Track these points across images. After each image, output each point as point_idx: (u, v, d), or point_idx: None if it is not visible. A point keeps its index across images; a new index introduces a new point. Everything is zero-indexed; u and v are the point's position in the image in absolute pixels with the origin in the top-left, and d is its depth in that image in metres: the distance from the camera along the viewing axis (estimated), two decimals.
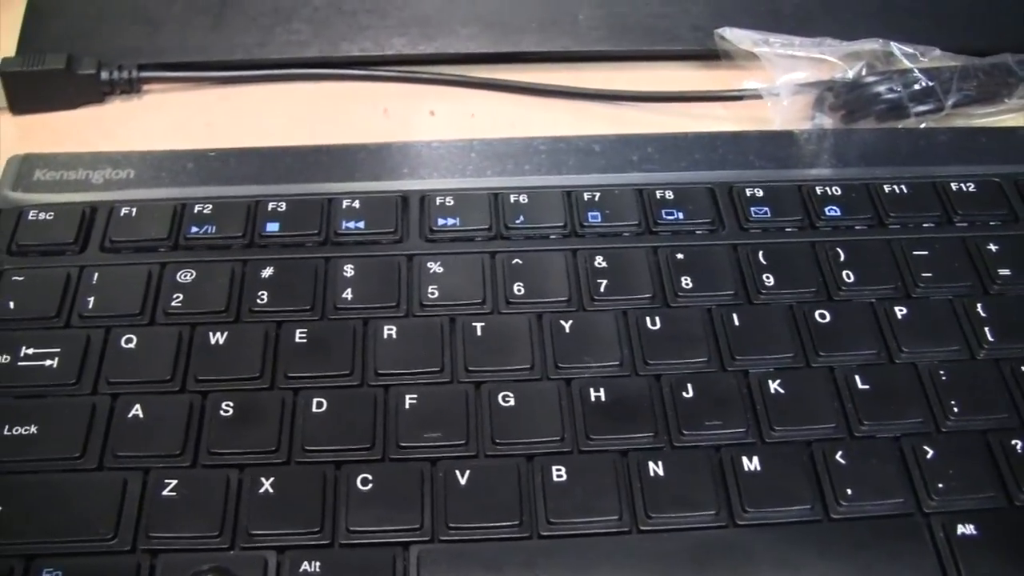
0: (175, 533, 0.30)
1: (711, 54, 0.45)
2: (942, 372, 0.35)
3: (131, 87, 0.44)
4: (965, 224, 0.39)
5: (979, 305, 0.37)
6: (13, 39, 0.44)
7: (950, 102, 0.43)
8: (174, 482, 0.31)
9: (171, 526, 0.30)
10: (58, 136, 0.42)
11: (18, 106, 0.43)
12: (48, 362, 0.34)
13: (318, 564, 0.30)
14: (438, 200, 0.38)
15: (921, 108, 0.43)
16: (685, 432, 0.33)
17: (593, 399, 0.33)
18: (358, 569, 0.30)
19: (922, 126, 0.43)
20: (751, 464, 0.32)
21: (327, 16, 0.45)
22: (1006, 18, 0.47)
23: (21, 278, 0.36)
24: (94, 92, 0.44)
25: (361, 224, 0.38)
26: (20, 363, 0.34)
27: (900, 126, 0.43)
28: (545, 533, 0.31)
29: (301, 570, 0.30)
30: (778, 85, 0.42)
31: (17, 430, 0.32)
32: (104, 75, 0.44)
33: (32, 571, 0.29)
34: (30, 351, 0.34)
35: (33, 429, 0.32)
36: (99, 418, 0.33)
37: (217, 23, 0.45)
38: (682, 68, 0.46)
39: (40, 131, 0.42)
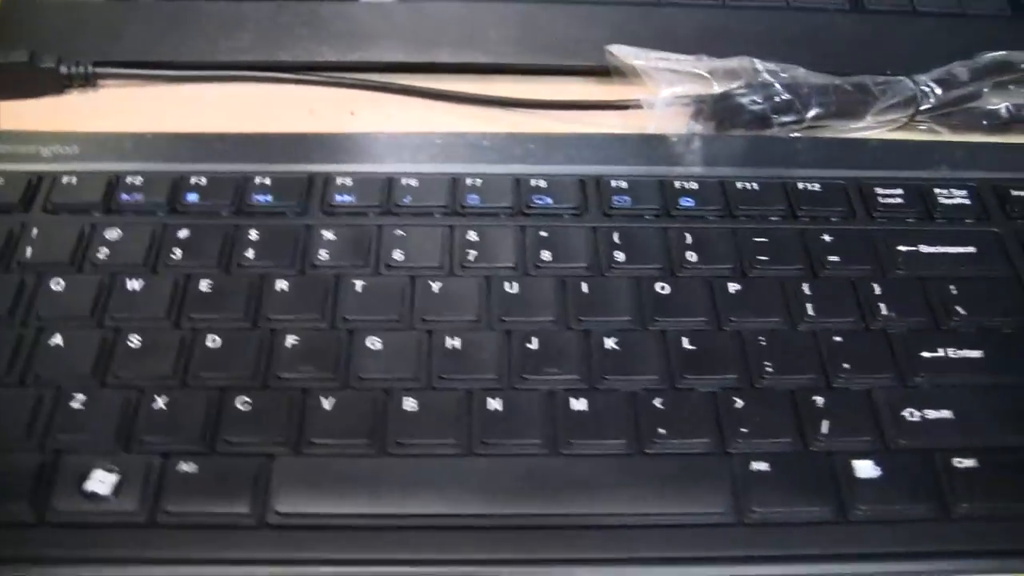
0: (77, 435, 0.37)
1: (609, 71, 0.51)
2: (761, 339, 0.41)
3: (88, 81, 0.51)
4: (807, 219, 0.45)
5: (806, 285, 0.43)
6: None
7: (810, 115, 0.49)
8: (82, 397, 0.38)
9: (74, 428, 0.37)
10: (21, 120, 0.49)
11: None
12: None
13: (196, 466, 0.36)
14: (338, 180, 0.45)
15: (784, 119, 0.49)
16: (526, 376, 0.39)
17: (448, 347, 0.40)
18: (228, 472, 0.36)
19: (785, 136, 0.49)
20: (579, 404, 0.38)
21: (266, 27, 0.53)
22: (869, 45, 0.53)
23: None
24: (54, 84, 0.51)
25: (269, 198, 0.44)
26: None
27: (766, 135, 0.49)
28: (392, 451, 0.37)
29: (179, 469, 0.36)
30: (657, 97, 0.49)
31: None
32: (63, 69, 0.51)
33: None
34: None
35: None
36: (25, 345, 0.39)
37: (169, 29, 0.52)
38: (581, 82, 0.53)
39: (4, 116, 0.49)
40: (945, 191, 0.47)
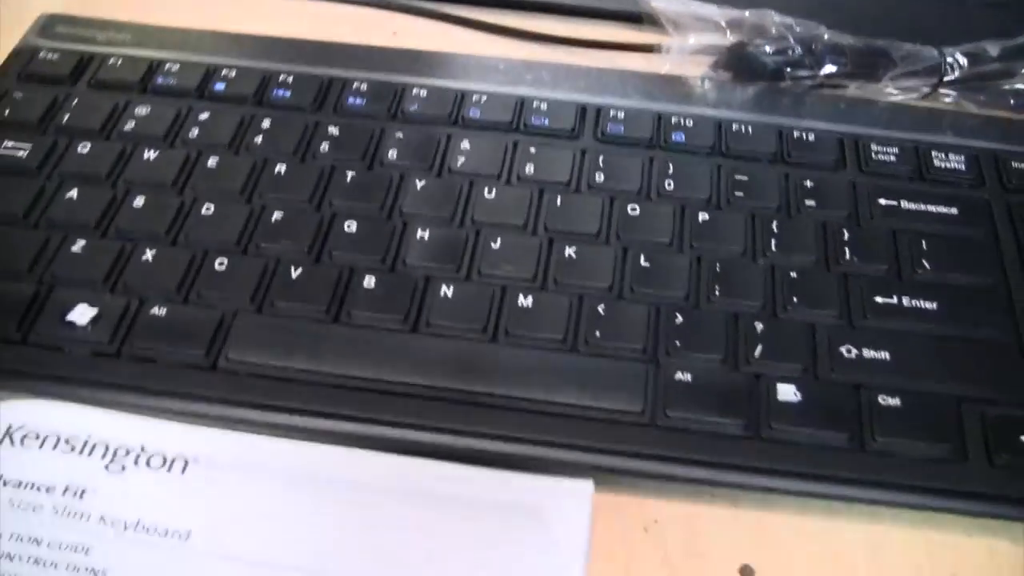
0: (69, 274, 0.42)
1: (642, 17, 0.54)
2: (718, 265, 0.43)
3: None
4: (794, 164, 0.47)
5: (775, 223, 0.45)
6: None
7: (824, 72, 0.51)
8: (83, 242, 0.43)
9: (68, 269, 0.42)
10: (97, 9, 0.54)
11: None
12: (20, 152, 0.46)
13: (166, 310, 0.41)
14: (355, 85, 0.49)
15: (797, 73, 0.51)
16: (482, 272, 0.42)
17: (419, 237, 0.43)
18: (194, 319, 0.41)
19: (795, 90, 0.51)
20: (525, 301, 0.41)
21: None
22: (904, 16, 0.54)
23: (21, 95, 0.48)
24: None
25: (288, 94, 0.49)
26: (1, 151, 0.46)
27: (779, 88, 0.51)
28: (345, 321, 0.41)
29: (151, 312, 0.40)
30: (673, 43, 0.51)
31: None
32: None
33: None
34: (10, 144, 0.46)
35: None
36: (46, 195, 0.44)
37: None
38: (616, 26, 0.55)
39: (79, 7, 0.55)
40: (942, 155, 0.48)
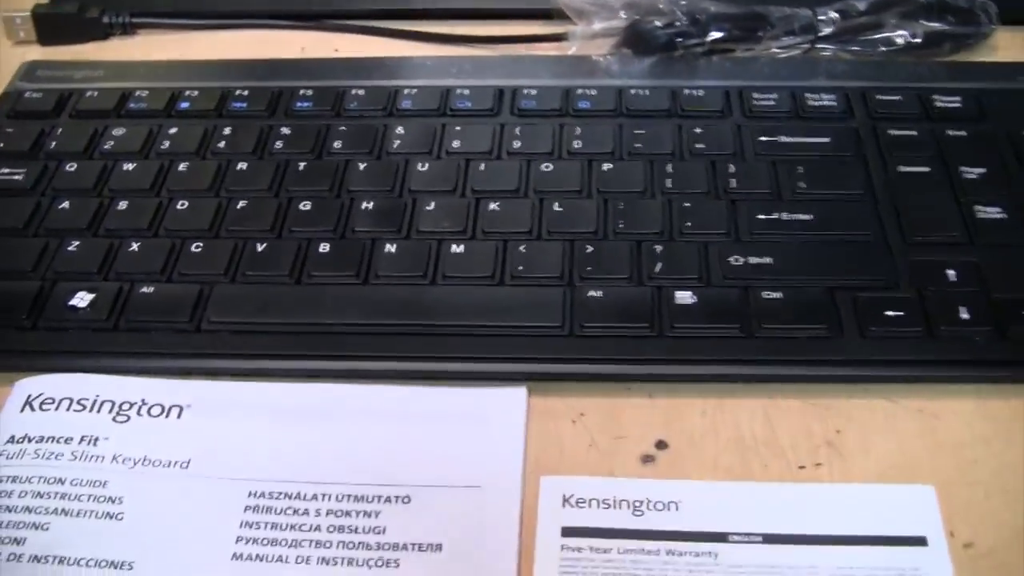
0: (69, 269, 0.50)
1: (552, 13, 0.63)
2: (621, 204, 0.51)
3: (126, 29, 0.65)
4: (686, 117, 0.56)
5: (669, 165, 0.53)
6: None
7: (710, 38, 0.59)
8: (77, 243, 0.51)
9: (67, 265, 0.50)
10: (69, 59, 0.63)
11: (43, 39, 0.65)
12: (16, 177, 0.54)
13: (153, 288, 0.49)
14: (300, 91, 0.58)
15: (687, 43, 0.59)
16: (420, 229, 0.51)
17: (363, 208, 0.52)
18: (177, 293, 0.49)
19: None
20: (458, 248, 0.50)
21: None
22: None
23: (12, 130, 0.57)
24: (98, 31, 0.65)
25: (244, 105, 0.57)
26: None
27: (673, 56, 0.60)
28: (306, 281, 0.49)
29: (140, 291, 0.49)
30: (578, 30, 0.60)
31: None
32: (106, 19, 0.65)
33: None
34: (6, 171, 0.55)
35: None
36: (42, 208, 0.53)
37: None
38: (529, 24, 0.64)
39: (57, 56, 0.64)
40: (816, 95, 0.56)
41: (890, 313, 0.45)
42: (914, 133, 0.54)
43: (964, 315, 0.45)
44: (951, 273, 0.47)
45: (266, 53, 0.62)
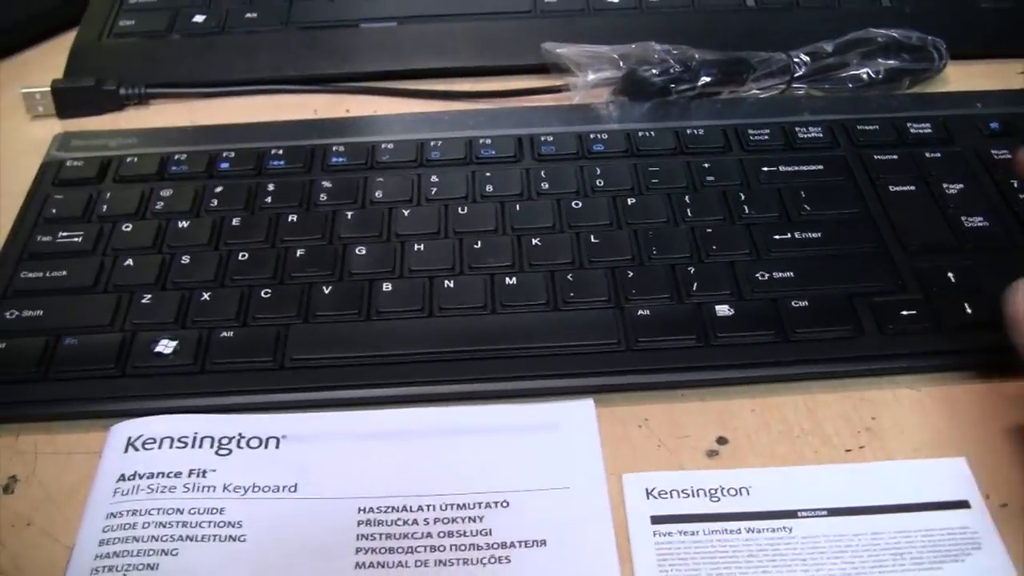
0: (146, 320, 0.54)
1: (547, 68, 0.69)
2: (650, 232, 0.58)
3: (141, 100, 0.70)
4: (692, 153, 0.63)
5: (687, 197, 0.60)
6: (61, 69, 0.71)
7: (700, 83, 0.66)
8: (149, 296, 0.56)
9: (144, 316, 0.54)
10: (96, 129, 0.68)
11: (63, 112, 0.69)
12: (75, 239, 0.59)
13: (232, 333, 0.54)
14: (334, 148, 0.63)
15: (680, 87, 0.67)
16: (473, 265, 0.56)
17: (415, 249, 0.57)
18: (257, 336, 0.53)
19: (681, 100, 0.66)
20: (511, 281, 0.56)
21: (277, 49, 0.72)
22: (755, 31, 0.71)
23: (61, 196, 0.61)
24: (115, 103, 0.69)
25: (282, 163, 0.63)
26: (58, 240, 0.59)
27: (668, 101, 0.67)
28: (375, 318, 0.55)
29: (221, 336, 0.54)
30: (580, 79, 0.67)
31: (55, 273, 0.57)
32: (122, 91, 0.69)
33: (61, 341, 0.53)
34: (64, 234, 0.59)
35: (64, 272, 0.57)
36: (105, 269, 0.57)
37: (202, 57, 0.71)
38: (526, 79, 0.71)
39: (77, 128, 0.68)
40: (804, 129, 0.64)
41: (904, 312, 0.52)
42: (896, 157, 0.61)
43: (968, 310, 0.52)
44: (951, 276, 0.54)
45: (279, 117, 0.67)
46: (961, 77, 0.70)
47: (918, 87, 0.69)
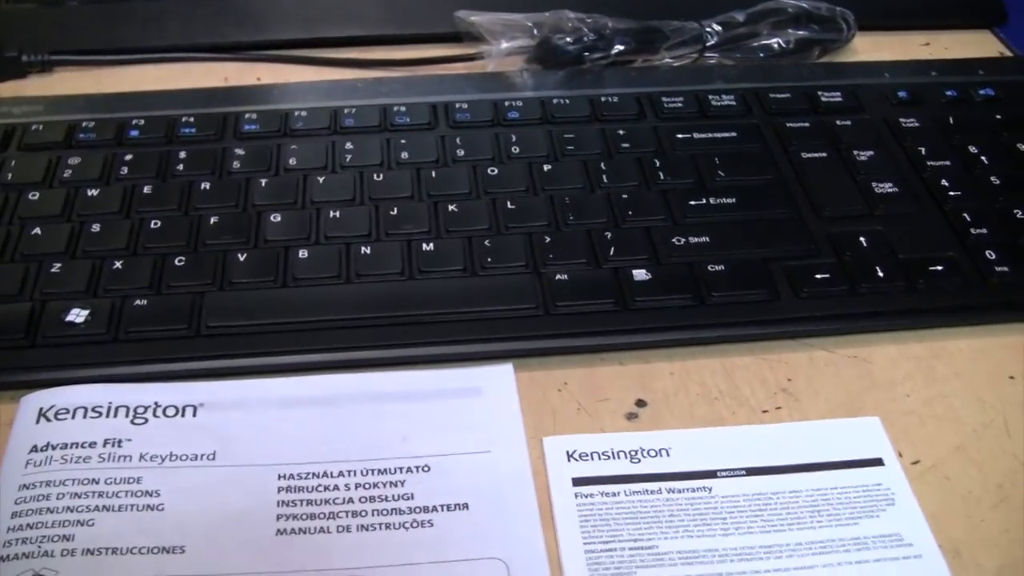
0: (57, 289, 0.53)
1: (460, 36, 0.69)
2: (567, 199, 0.58)
3: (45, 67, 0.68)
4: (607, 120, 0.63)
5: (602, 163, 0.60)
6: None
7: (614, 51, 0.67)
8: (59, 265, 0.55)
9: (55, 285, 0.53)
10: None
11: None
12: None
13: (146, 301, 0.53)
14: (246, 115, 0.63)
15: (594, 56, 0.67)
16: (389, 232, 0.56)
17: (331, 216, 0.57)
18: (172, 304, 0.53)
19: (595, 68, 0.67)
20: (428, 247, 0.56)
21: (186, 17, 0.71)
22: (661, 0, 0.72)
23: None
24: (17, 70, 0.68)
25: (193, 131, 0.62)
26: None
27: (582, 69, 0.67)
28: (292, 285, 0.54)
29: (135, 304, 0.53)
30: (493, 48, 0.67)
31: None
32: (24, 57, 0.68)
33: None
34: None
35: None
36: (12, 237, 0.56)
37: (108, 24, 0.70)
38: (439, 47, 0.71)
39: None
40: (717, 97, 0.64)
41: (818, 276, 0.53)
42: (807, 124, 0.63)
43: (880, 274, 0.54)
44: (862, 240, 0.55)
45: (189, 85, 0.66)
46: (868, 48, 0.72)
47: (827, 57, 0.70)
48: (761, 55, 0.69)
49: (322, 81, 0.66)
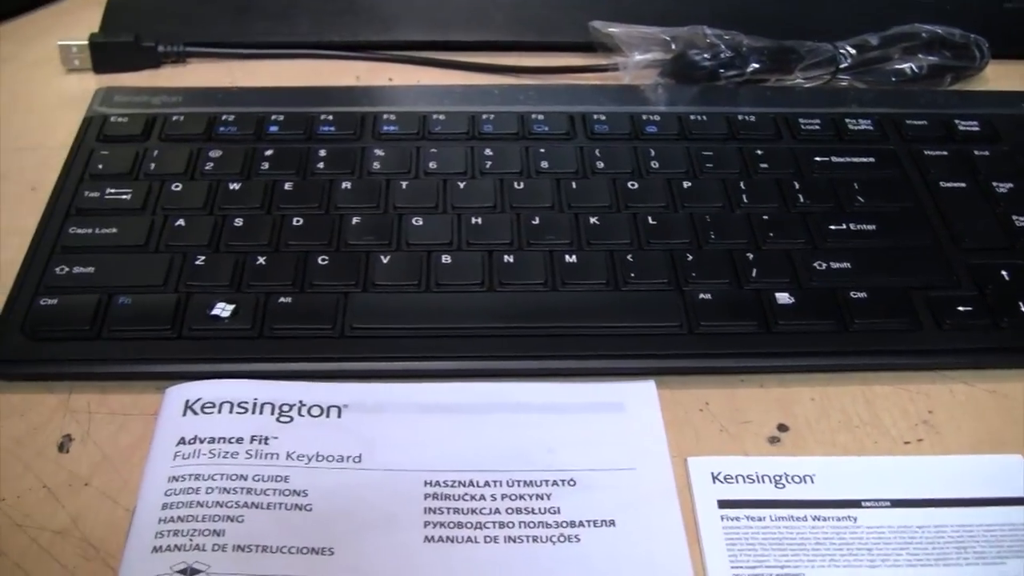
0: (202, 283, 0.53)
1: (593, 46, 0.69)
2: (708, 217, 0.58)
3: (179, 58, 0.69)
4: (744, 139, 0.63)
5: (742, 183, 0.60)
6: (95, 22, 0.70)
7: (749, 69, 0.67)
8: (203, 258, 0.55)
9: (199, 278, 0.53)
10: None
11: (99, 67, 0.68)
12: (124, 196, 0.58)
13: (291, 299, 0.53)
14: (384, 116, 0.63)
15: (728, 73, 0.67)
16: (531, 241, 0.56)
17: (473, 223, 0.57)
18: (316, 303, 0.53)
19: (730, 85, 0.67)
20: (571, 259, 0.56)
21: (318, 14, 0.71)
22: (801, 18, 0.72)
23: (106, 152, 0.60)
24: (153, 60, 0.68)
25: (332, 128, 0.62)
26: (106, 197, 0.58)
27: (716, 85, 0.67)
28: (435, 290, 0.54)
29: (279, 301, 0.53)
30: (629, 60, 0.67)
31: (105, 230, 0.56)
32: (161, 48, 0.68)
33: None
34: (112, 191, 0.58)
35: (114, 230, 0.56)
36: (156, 228, 0.56)
37: (242, 17, 0.71)
38: (571, 56, 0.71)
39: (114, 84, 0.67)
40: (853, 121, 0.64)
41: (960, 308, 0.53)
42: (945, 153, 0.62)
43: (1023, 309, 0.53)
44: (1004, 274, 0.54)
45: (319, 82, 0.67)
46: (1000, 76, 0.71)
47: (959, 84, 0.69)
48: (893, 79, 0.68)
49: (457, 85, 0.65)
